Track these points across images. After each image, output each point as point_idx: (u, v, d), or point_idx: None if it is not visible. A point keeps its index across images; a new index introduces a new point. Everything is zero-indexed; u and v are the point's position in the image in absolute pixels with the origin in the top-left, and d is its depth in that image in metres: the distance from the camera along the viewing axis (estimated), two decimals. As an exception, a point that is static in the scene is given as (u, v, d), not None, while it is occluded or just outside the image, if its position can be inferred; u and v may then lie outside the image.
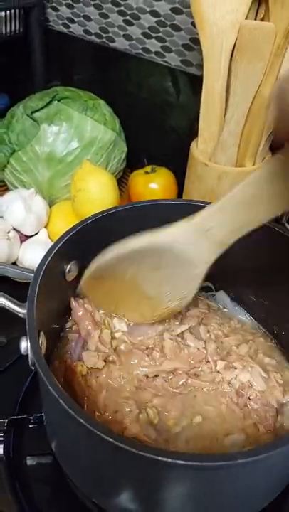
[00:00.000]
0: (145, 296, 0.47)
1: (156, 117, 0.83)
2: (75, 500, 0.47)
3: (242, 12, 0.56)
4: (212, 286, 0.59)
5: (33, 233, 0.73)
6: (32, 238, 0.73)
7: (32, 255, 0.70)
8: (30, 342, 0.37)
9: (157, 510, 0.38)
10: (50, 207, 0.77)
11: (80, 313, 0.49)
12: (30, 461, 0.50)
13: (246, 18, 0.57)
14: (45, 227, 0.75)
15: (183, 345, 0.49)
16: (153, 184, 0.79)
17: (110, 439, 0.30)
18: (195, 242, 0.42)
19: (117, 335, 0.50)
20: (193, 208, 0.52)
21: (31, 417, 0.51)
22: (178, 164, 0.74)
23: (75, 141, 0.75)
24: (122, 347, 0.49)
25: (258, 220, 0.40)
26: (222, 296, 0.59)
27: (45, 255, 0.43)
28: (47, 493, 0.49)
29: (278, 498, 0.42)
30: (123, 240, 0.44)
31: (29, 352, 0.38)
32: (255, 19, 0.58)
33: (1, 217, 0.73)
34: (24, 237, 0.73)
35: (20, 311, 0.41)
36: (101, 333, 0.49)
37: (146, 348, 0.49)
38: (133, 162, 0.84)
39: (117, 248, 0.44)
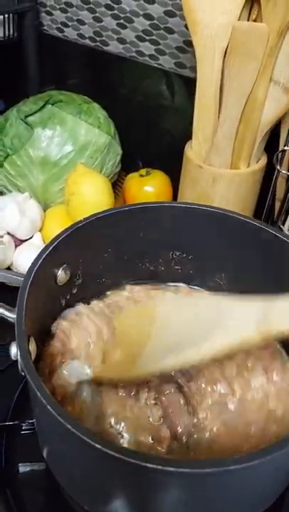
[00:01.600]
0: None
1: (150, 120, 0.83)
2: (68, 508, 0.46)
3: (234, 13, 0.56)
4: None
5: (28, 237, 0.73)
6: (26, 242, 0.73)
7: (26, 260, 0.69)
8: (19, 348, 0.37)
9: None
10: (44, 211, 0.76)
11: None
12: (22, 469, 0.49)
13: (239, 20, 0.56)
14: (40, 231, 0.74)
15: None
16: (148, 187, 0.78)
17: (98, 446, 0.29)
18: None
19: None
20: (187, 210, 0.52)
21: (23, 424, 0.50)
22: (173, 167, 0.73)
23: (69, 144, 0.74)
24: None
25: None
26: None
27: (35, 259, 0.42)
28: (39, 502, 0.48)
29: (274, 505, 0.41)
30: None
31: (18, 357, 0.37)
32: (248, 20, 0.58)
33: (-5, 221, 0.72)
34: (19, 242, 0.72)
35: (11, 315, 0.41)
36: None
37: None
38: (128, 165, 0.84)
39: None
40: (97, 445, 0.30)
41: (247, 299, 0.40)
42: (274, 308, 0.38)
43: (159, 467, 0.29)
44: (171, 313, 0.44)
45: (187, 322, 0.42)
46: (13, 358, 0.39)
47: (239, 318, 0.39)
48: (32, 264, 0.42)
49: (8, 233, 0.71)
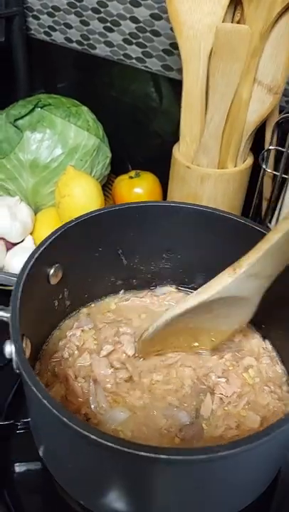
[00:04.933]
0: (202, 331, 0.48)
1: (139, 122, 0.84)
2: (65, 506, 0.47)
3: (218, 15, 0.57)
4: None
5: (19, 241, 0.73)
6: (18, 246, 0.73)
7: (18, 263, 0.70)
8: (14, 345, 0.37)
9: (147, 510, 0.38)
10: (35, 214, 0.77)
11: None
12: (18, 468, 0.49)
13: (223, 21, 0.58)
14: (31, 234, 0.75)
15: None
16: (138, 189, 0.79)
17: (94, 437, 0.30)
18: (245, 286, 0.42)
19: None
20: (176, 209, 0.53)
21: (18, 423, 0.50)
22: (162, 168, 0.74)
23: (58, 147, 0.75)
24: None
25: None
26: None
27: (28, 259, 0.43)
28: (36, 500, 0.49)
29: (265, 493, 0.42)
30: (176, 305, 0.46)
31: (13, 355, 0.38)
32: (232, 22, 0.59)
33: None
34: (10, 245, 0.73)
35: (4, 314, 0.41)
36: None
37: None
38: (117, 167, 0.85)
39: (168, 315, 0.45)
40: (93, 436, 0.30)
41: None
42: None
43: (153, 455, 0.29)
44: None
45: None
46: (7, 356, 0.39)
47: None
48: (25, 262, 0.42)
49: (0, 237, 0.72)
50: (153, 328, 0.47)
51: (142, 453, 0.29)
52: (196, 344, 0.51)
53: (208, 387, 0.47)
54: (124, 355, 0.50)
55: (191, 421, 0.44)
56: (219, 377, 0.48)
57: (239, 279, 0.41)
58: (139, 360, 0.50)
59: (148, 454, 0.29)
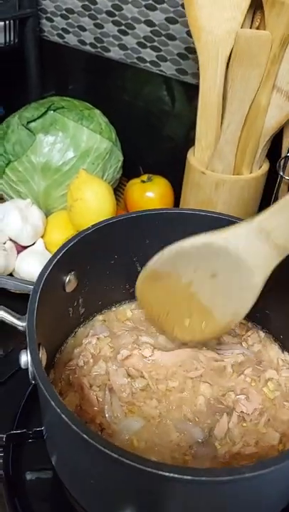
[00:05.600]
0: (198, 306, 0.46)
1: (152, 126, 0.83)
2: (76, 516, 0.46)
3: (238, 20, 0.56)
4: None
5: (30, 244, 0.73)
6: (28, 249, 0.72)
7: (29, 266, 0.69)
8: (31, 355, 0.37)
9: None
10: (46, 217, 0.76)
11: None
12: (29, 477, 0.49)
13: (242, 27, 0.57)
14: (42, 237, 0.74)
15: None
16: (149, 193, 0.79)
17: (110, 453, 0.29)
18: (254, 244, 0.41)
19: None
20: (192, 217, 0.52)
21: (30, 432, 0.50)
22: (174, 173, 0.74)
23: (70, 150, 0.74)
24: None
25: None
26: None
27: (45, 266, 0.42)
28: (47, 510, 0.48)
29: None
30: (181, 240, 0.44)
31: (29, 365, 0.37)
32: (251, 27, 0.58)
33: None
34: (21, 248, 0.72)
35: (20, 323, 0.41)
36: None
37: None
38: (129, 171, 0.84)
39: (176, 245, 0.44)
40: (110, 453, 0.30)
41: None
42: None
43: (175, 475, 0.29)
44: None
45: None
46: (23, 366, 0.38)
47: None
48: (43, 269, 0.42)
49: (11, 239, 0.71)
50: (155, 258, 0.45)
51: (163, 472, 0.28)
52: (188, 322, 0.48)
53: (226, 406, 0.46)
54: (141, 361, 0.49)
55: (203, 439, 0.43)
56: (238, 395, 0.46)
57: (251, 230, 0.40)
58: (156, 365, 0.49)
59: (170, 474, 0.28)
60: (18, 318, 0.40)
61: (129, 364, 0.49)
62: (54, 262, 0.43)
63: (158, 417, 0.45)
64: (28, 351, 0.37)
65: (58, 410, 0.32)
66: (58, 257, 0.43)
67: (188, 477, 0.28)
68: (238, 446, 0.42)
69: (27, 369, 0.38)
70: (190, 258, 0.44)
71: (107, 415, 0.45)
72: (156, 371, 0.49)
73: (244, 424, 0.44)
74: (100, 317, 0.55)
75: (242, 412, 0.45)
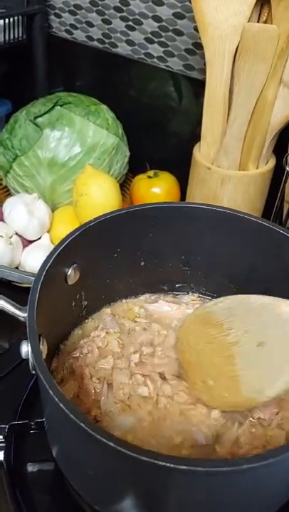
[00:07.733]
0: (230, 371, 0.43)
1: (158, 122, 0.83)
2: (77, 508, 0.46)
3: (245, 15, 0.56)
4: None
5: (36, 238, 0.73)
6: (34, 243, 0.73)
7: (34, 260, 0.69)
8: (31, 346, 0.37)
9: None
10: (52, 212, 0.76)
11: None
12: (31, 468, 0.49)
13: (249, 21, 0.57)
14: (48, 232, 0.75)
15: None
16: (155, 188, 0.79)
17: (111, 444, 0.29)
18: None
19: None
20: (196, 210, 0.52)
21: (32, 423, 0.50)
22: (180, 168, 0.73)
23: (77, 145, 0.75)
24: None
25: None
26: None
27: (47, 258, 0.43)
28: (48, 501, 0.48)
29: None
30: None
31: (30, 356, 0.37)
32: (258, 21, 0.58)
33: (4, 222, 0.72)
34: (27, 242, 0.72)
35: (21, 314, 0.41)
36: None
37: None
38: (136, 167, 0.84)
39: (243, 295, 0.43)
40: (110, 443, 0.30)
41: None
42: None
43: (172, 466, 0.29)
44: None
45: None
46: (23, 356, 0.39)
47: None
48: (44, 261, 0.42)
49: (17, 234, 0.72)
50: (222, 299, 0.43)
51: (162, 462, 0.28)
52: (211, 383, 0.44)
53: (240, 412, 0.44)
54: (153, 372, 0.47)
55: (206, 444, 0.42)
56: None
57: None
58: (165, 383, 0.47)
59: (168, 464, 0.28)
60: (19, 309, 0.40)
61: (138, 371, 0.48)
62: (56, 253, 0.43)
63: (152, 420, 0.44)
64: (29, 341, 0.37)
65: (56, 399, 0.32)
66: (60, 249, 0.43)
67: (184, 467, 0.28)
68: (244, 449, 0.41)
69: (28, 359, 0.38)
70: (248, 315, 0.41)
71: (102, 408, 0.45)
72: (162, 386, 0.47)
73: (252, 430, 0.43)
74: (108, 310, 0.55)
75: (259, 418, 0.43)
